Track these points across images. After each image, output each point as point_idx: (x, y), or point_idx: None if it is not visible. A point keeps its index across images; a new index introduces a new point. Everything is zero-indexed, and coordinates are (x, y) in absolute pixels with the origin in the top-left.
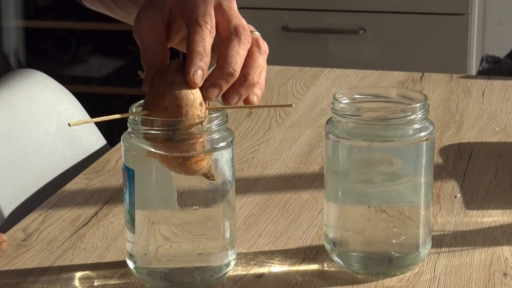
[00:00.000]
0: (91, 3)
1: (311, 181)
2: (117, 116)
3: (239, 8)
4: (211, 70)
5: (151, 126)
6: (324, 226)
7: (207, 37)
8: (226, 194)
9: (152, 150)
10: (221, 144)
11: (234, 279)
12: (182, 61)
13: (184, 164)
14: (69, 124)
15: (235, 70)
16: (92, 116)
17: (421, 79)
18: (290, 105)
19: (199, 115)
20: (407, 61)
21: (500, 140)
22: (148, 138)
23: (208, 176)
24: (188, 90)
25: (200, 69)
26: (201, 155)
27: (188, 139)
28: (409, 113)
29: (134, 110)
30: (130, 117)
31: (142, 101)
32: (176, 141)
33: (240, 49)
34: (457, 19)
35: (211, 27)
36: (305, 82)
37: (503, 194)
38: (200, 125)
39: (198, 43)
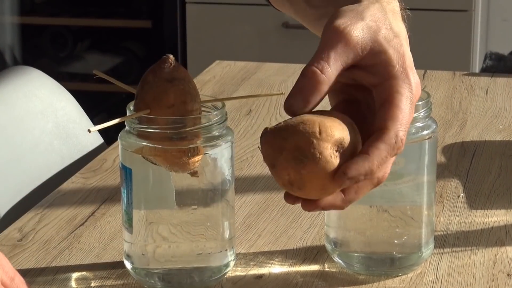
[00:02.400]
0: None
1: None
2: (119, 120)
3: (239, 4)
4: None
5: (155, 124)
6: (325, 226)
7: (388, 160)
8: (225, 193)
9: (154, 146)
10: (221, 143)
11: (233, 280)
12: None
13: (185, 162)
14: (89, 131)
15: (377, 177)
16: (88, 114)
17: (423, 77)
18: (281, 93)
19: (201, 111)
20: None
21: (504, 139)
22: (148, 137)
23: (194, 172)
24: (190, 86)
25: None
26: (200, 152)
27: (191, 135)
28: None
29: (131, 108)
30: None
31: None
32: (179, 138)
33: (389, 159)
34: (461, 16)
35: (400, 148)
36: None
37: (507, 193)
38: (205, 121)
39: (377, 157)
